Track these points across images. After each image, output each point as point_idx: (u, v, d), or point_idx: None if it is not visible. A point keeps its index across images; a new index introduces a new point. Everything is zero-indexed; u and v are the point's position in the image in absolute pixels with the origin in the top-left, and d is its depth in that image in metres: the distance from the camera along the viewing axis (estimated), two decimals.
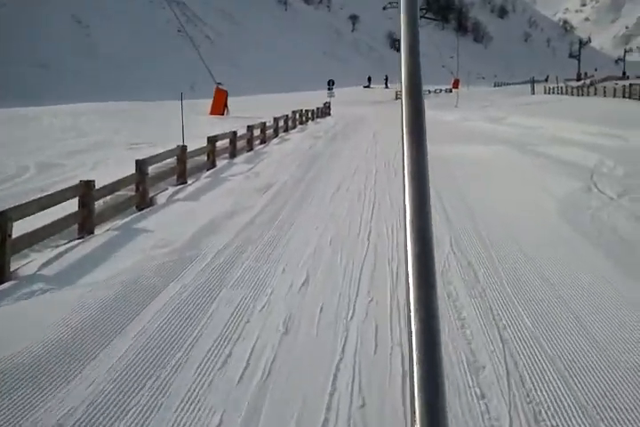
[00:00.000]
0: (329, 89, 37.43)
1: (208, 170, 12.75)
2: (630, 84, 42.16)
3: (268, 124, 19.68)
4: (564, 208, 8.99)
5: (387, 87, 77.81)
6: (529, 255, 6.36)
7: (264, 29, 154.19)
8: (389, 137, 18.83)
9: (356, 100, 57.90)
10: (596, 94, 48.43)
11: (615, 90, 44.15)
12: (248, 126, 16.60)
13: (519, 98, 57.74)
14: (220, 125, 25.81)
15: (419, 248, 0.75)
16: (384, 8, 48.35)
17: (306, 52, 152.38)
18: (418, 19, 0.98)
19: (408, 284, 0.73)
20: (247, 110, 42.12)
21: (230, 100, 66.69)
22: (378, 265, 6.01)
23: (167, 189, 10.43)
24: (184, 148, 11.27)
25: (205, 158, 13.17)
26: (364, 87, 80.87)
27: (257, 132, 17.93)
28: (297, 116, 24.85)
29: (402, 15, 0.98)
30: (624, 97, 41.12)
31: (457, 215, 8.29)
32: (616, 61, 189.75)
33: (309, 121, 27.04)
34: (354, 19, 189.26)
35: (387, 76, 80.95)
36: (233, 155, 14.75)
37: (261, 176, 11.13)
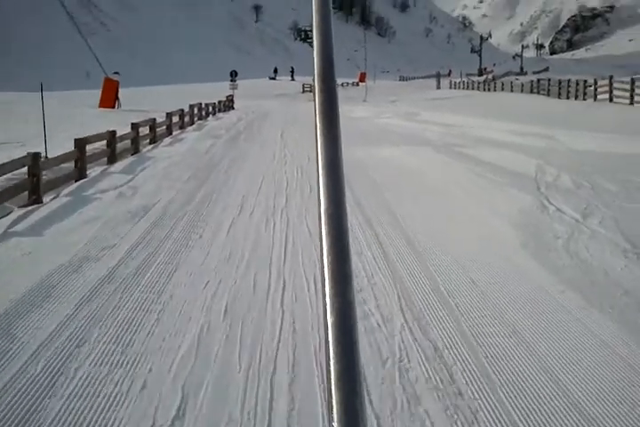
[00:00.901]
0: (231, 81, 34.68)
1: (76, 181, 10.09)
2: (538, 80, 41.80)
3: (159, 120, 17.04)
4: (526, 238, 7.07)
5: (293, 79, 75.67)
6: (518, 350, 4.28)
7: (164, 18, 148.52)
8: (300, 137, 16.63)
9: (261, 92, 55.38)
10: (503, 90, 48.10)
11: (523, 85, 43.83)
12: (132, 124, 13.89)
13: (426, 92, 57.00)
14: (107, 120, 22.83)
15: (335, 249, 0.73)
16: None
17: (208, 43, 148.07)
18: (331, 11, 0.95)
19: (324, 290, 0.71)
20: (143, 103, 38.81)
21: (127, 92, 62.54)
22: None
23: (11, 211, 7.77)
24: (36, 156, 8.58)
25: (73, 166, 10.50)
26: (270, 79, 78.27)
27: (145, 131, 15.28)
28: (195, 110, 22.16)
29: (314, 6, 0.95)
30: (532, 92, 40.78)
31: (396, 256, 6.17)
32: (514, 57, 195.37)
33: (210, 116, 24.36)
34: (257, 9, 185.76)
35: (292, 68, 78.82)
36: (112, 160, 12.08)
37: (140, 193, 8.61)
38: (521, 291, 5.31)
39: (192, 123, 20.67)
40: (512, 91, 46.22)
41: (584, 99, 31.09)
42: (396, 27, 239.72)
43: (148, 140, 15.44)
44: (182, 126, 19.01)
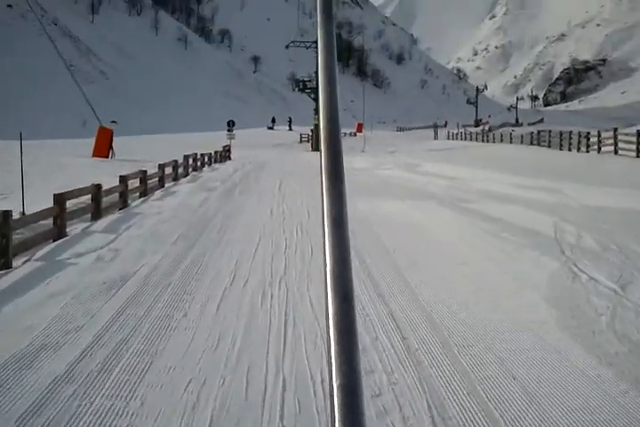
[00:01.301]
0: (229, 130, 34.15)
1: (54, 240, 9.14)
2: (539, 131, 41.48)
3: (152, 171, 16.22)
4: (564, 316, 6.11)
5: (290, 129, 75.73)
6: None
7: (163, 67, 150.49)
8: (299, 189, 15.81)
9: (258, 142, 55.09)
10: (502, 141, 47.86)
11: (523, 136, 43.55)
12: (121, 177, 13.04)
13: (425, 143, 56.85)
14: (99, 170, 22.06)
15: (339, 300, 0.75)
16: (287, 46, 46.19)
17: (206, 92, 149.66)
18: (336, 62, 0.98)
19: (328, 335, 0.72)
20: (138, 152, 38.25)
21: (123, 140, 62.28)
22: None
23: None
24: (5, 215, 7.64)
25: (52, 223, 9.56)
26: (268, 128, 78.36)
27: (136, 183, 14.43)
28: (190, 161, 21.40)
29: (320, 57, 0.99)
30: (532, 144, 40.43)
31: (420, 344, 5.18)
32: (508, 109, 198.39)
33: (205, 167, 23.61)
34: (255, 60, 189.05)
35: (290, 118, 79.03)
36: (96, 216, 11.16)
37: (121, 257, 7.65)
38: (573, 391, 4.31)
39: (186, 174, 19.87)
40: (511, 142, 45.97)
41: (587, 151, 30.59)
42: (392, 78, 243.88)
43: (138, 194, 14.58)
44: (176, 178, 18.18)
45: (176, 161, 18.35)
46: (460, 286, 6.97)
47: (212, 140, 39.72)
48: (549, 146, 37.25)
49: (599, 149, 29.05)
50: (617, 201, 14.26)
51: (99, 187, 11.50)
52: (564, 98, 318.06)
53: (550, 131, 39.38)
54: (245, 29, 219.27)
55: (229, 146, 32.45)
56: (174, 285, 6.58)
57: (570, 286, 7.23)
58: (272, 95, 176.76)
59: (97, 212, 11.35)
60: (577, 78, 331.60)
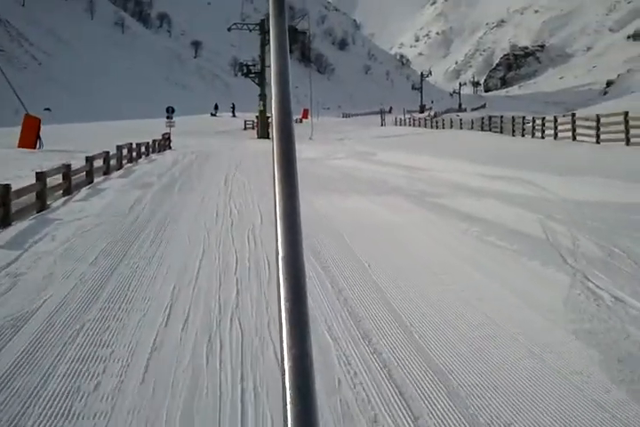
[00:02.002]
0: (168, 117, 31.79)
1: None
2: (490, 117, 40.54)
3: (79, 165, 14.19)
4: (606, 360, 4.64)
5: (234, 116, 73.32)
6: None
7: (99, 52, 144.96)
8: (248, 184, 14.07)
9: (201, 129, 52.71)
10: (452, 127, 46.87)
11: (473, 122, 42.58)
12: (38, 174, 11.02)
13: (372, 129, 55.50)
14: (23, 163, 19.80)
15: (292, 293, 0.75)
16: (229, 29, 43.93)
17: (146, 78, 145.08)
18: (288, 48, 0.99)
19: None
20: (71, 141, 35.67)
21: (57, 129, 58.97)
22: None
23: None
24: None
25: None
26: (211, 115, 75.67)
27: (56, 179, 12.41)
28: (124, 151, 19.31)
29: (272, 44, 1.00)
30: (483, 129, 39.46)
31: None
32: (451, 94, 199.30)
33: (142, 158, 21.50)
34: (196, 45, 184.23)
35: (233, 105, 76.52)
36: (4, 224, 9.19)
37: (19, 287, 5.82)
38: None
39: (120, 167, 17.80)
40: (461, 128, 45.02)
41: (542, 137, 29.63)
42: (336, 64, 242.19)
43: (61, 192, 12.58)
44: (107, 172, 16.13)
45: (107, 152, 16.28)
46: (464, 325, 5.37)
47: (153, 128, 37.32)
48: (501, 132, 36.34)
49: (555, 135, 28.12)
50: (597, 194, 13.04)
51: (7, 188, 9.51)
52: (505, 83, 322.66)
53: (502, 116, 38.46)
54: (185, 14, 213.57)
55: (169, 134, 30.20)
56: (88, 328, 4.82)
57: (596, 313, 5.77)
58: (214, 81, 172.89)
59: (6, 217, 9.38)
60: (516, 64, 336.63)
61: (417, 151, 24.48)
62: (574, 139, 25.91)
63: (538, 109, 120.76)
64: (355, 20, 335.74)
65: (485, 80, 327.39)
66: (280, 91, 0.94)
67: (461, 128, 44.67)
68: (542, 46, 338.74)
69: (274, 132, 0.89)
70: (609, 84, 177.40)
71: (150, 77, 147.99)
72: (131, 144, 19.87)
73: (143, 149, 23.37)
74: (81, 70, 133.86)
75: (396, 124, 65.57)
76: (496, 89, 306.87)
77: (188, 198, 11.47)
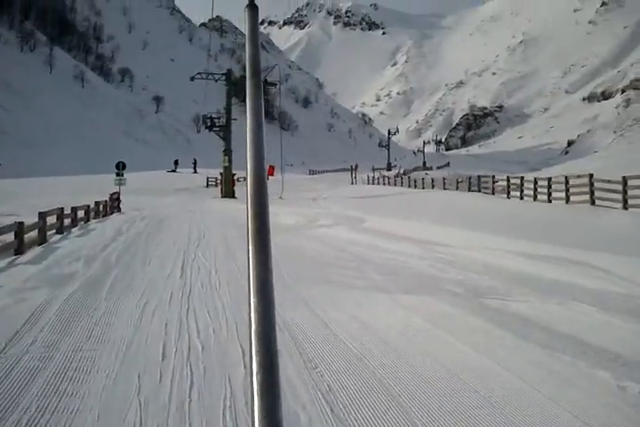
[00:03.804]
0: (117, 174, 27.19)
1: None
2: (479, 177, 37.16)
3: None
4: None
5: (195, 172, 69.20)
6: None
7: (57, 106, 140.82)
8: (216, 274, 9.70)
9: (159, 187, 48.29)
10: (433, 187, 43.41)
11: (458, 182, 39.22)
12: None
13: (345, 188, 51.83)
14: None
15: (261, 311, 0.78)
16: (192, 78, 40.27)
17: (104, 133, 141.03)
18: (262, 107, 0.96)
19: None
20: (7, 201, 30.98)
21: (6, 183, 53.47)
22: None
23: None
24: None
25: None
26: (168, 172, 71.28)
27: None
28: (49, 219, 14.79)
29: (248, 104, 0.99)
30: (470, 190, 36.06)
31: None
32: (414, 152, 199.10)
33: (76, 227, 16.92)
34: (158, 100, 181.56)
35: (195, 160, 72.51)
36: None
37: None
38: None
39: (41, 242, 13.29)
40: (444, 188, 41.66)
41: (549, 200, 26.10)
42: (299, 121, 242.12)
43: None
44: (19, 250, 11.64)
45: (21, 224, 11.81)
46: None
47: (106, 185, 32.86)
48: (493, 193, 32.93)
49: (567, 198, 24.57)
50: None
51: None
52: (465, 142, 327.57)
53: (494, 176, 35.13)
54: (148, 69, 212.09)
55: (118, 194, 25.65)
56: None
57: None
58: (176, 136, 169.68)
59: None
60: (476, 124, 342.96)
61: (414, 217, 20.49)
62: (593, 203, 22.38)
63: (501, 168, 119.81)
64: (317, 79, 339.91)
65: (446, 139, 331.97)
66: (255, 149, 0.93)
67: (444, 188, 41.31)
68: (500, 107, 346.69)
69: (248, 196, 0.91)
70: (570, 143, 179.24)
71: (110, 132, 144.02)
72: (61, 211, 15.34)
73: (83, 213, 18.86)
74: (37, 124, 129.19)
75: (368, 183, 62.20)
76: (456, 148, 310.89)
77: (120, 309, 7.06)
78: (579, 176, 24.60)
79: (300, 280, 9.55)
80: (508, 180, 31.51)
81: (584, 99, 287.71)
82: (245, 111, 1.12)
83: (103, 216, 21.52)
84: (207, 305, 7.32)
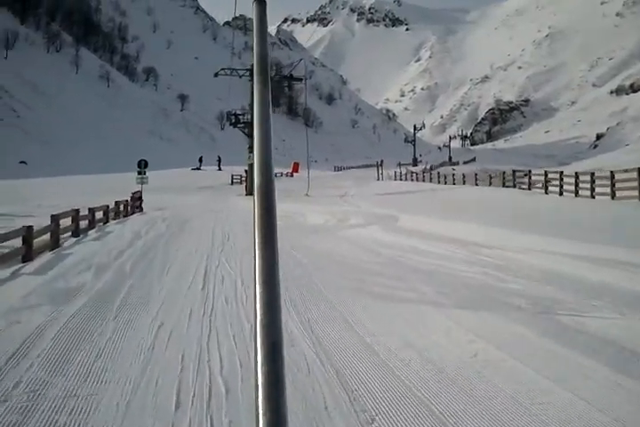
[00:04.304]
0: (139, 173, 26.17)
1: None
2: (514, 171, 35.59)
3: None
4: None
5: (220, 169, 68.35)
6: None
7: (83, 106, 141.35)
8: (242, 286, 8.57)
9: (183, 185, 47.46)
10: (464, 183, 41.94)
11: (491, 177, 37.74)
12: None
13: (372, 184, 50.42)
14: None
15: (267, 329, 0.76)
16: (216, 74, 39.40)
17: (130, 132, 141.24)
18: (270, 104, 0.96)
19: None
20: (27, 200, 30.28)
21: (26, 183, 53.05)
22: None
23: None
24: None
25: None
26: (193, 169, 70.50)
27: None
28: (64, 222, 13.80)
29: (255, 100, 0.97)
30: (504, 185, 34.58)
31: None
32: (439, 148, 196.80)
33: (94, 229, 15.92)
34: (182, 98, 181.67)
35: (219, 158, 71.65)
36: None
37: None
38: None
39: (54, 246, 12.27)
40: (476, 184, 40.18)
41: (592, 196, 24.60)
42: (323, 118, 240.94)
43: None
44: (27, 257, 10.63)
45: (30, 228, 10.79)
46: None
47: (128, 183, 32.00)
48: (529, 188, 31.42)
49: (613, 193, 23.08)
50: None
51: None
52: (490, 137, 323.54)
53: (530, 171, 33.59)
54: (172, 68, 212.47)
55: (140, 193, 24.66)
56: None
57: None
58: (200, 134, 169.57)
59: None
60: (502, 118, 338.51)
61: (452, 216, 19.14)
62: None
63: (529, 162, 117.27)
64: (341, 76, 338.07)
65: (471, 134, 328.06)
66: (262, 144, 0.93)
67: (464, 183, 39.86)
68: (527, 101, 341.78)
69: (255, 194, 0.88)
70: (599, 137, 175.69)
71: (134, 131, 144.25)
72: (76, 213, 14.32)
73: (102, 214, 17.89)
74: (62, 124, 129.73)
75: (395, 179, 60.79)
76: (482, 143, 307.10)
77: (129, 335, 5.93)
78: (626, 170, 23.09)
79: (337, 291, 8.39)
80: (545, 175, 30.02)
81: (612, 92, 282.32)
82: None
83: (124, 216, 20.54)
84: (233, 327, 6.16)
